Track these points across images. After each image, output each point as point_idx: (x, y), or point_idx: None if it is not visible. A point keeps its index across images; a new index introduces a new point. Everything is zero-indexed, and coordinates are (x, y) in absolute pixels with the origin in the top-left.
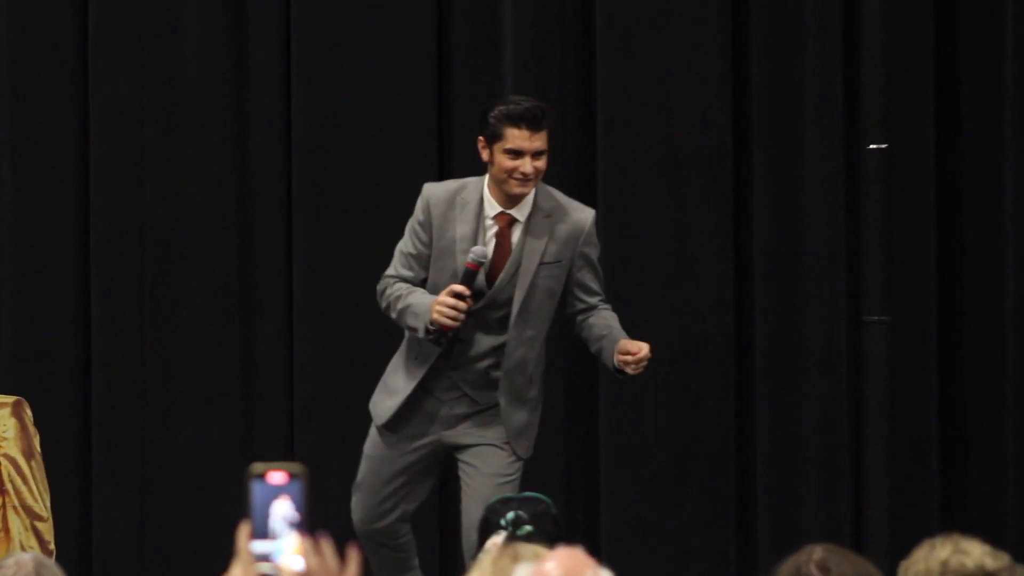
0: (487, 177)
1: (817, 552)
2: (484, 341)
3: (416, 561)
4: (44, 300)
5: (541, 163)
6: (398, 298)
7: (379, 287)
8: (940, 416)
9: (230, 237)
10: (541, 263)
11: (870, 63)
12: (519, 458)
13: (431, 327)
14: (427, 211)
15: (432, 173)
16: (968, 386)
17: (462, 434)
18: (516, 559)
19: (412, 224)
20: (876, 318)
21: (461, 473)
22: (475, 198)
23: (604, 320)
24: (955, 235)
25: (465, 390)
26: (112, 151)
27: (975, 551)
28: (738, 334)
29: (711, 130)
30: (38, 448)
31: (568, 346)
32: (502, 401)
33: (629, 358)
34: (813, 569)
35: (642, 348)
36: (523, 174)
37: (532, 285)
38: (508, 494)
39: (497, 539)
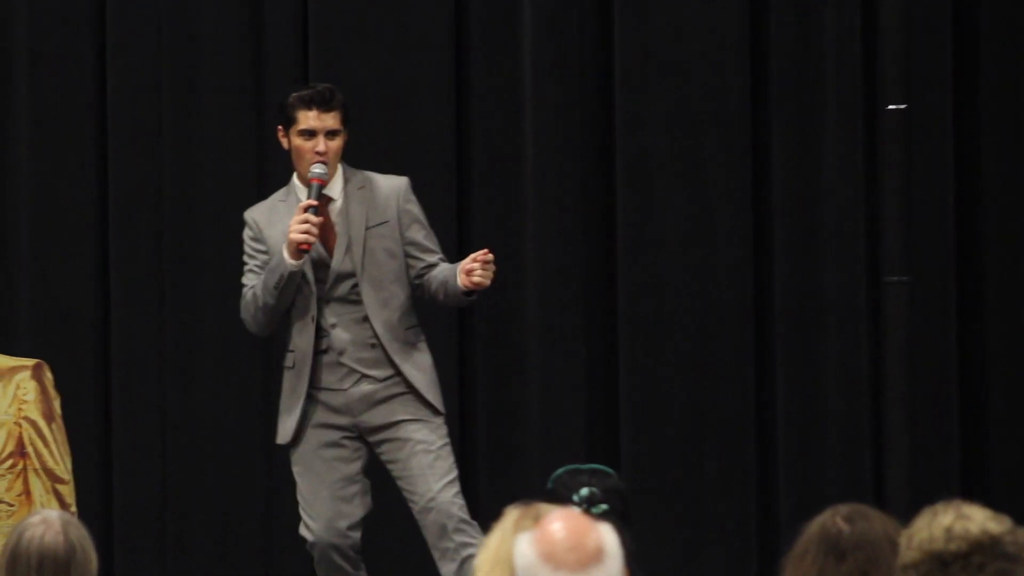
0: (294, 175)
1: (843, 509)
2: (349, 316)
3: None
4: (64, 264)
5: (335, 143)
6: (255, 286)
7: (241, 310)
8: (960, 376)
9: (248, 202)
10: (367, 228)
11: (889, 23)
12: (439, 413)
13: (293, 257)
14: (252, 227)
15: (449, 139)
16: (988, 346)
17: (376, 415)
18: (538, 520)
19: (246, 247)
20: (896, 279)
21: (388, 454)
22: (288, 196)
23: (436, 269)
24: (974, 195)
25: (361, 370)
26: (130, 116)
27: (977, 516)
28: (757, 295)
29: (729, 91)
30: (59, 411)
31: (587, 315)
32: (400, 366)
33: (475, 265)
34: (840, 523)
35: (479, 253)
36: (318, 153)
37: (367, 250)
38: (576, 465)
39: None
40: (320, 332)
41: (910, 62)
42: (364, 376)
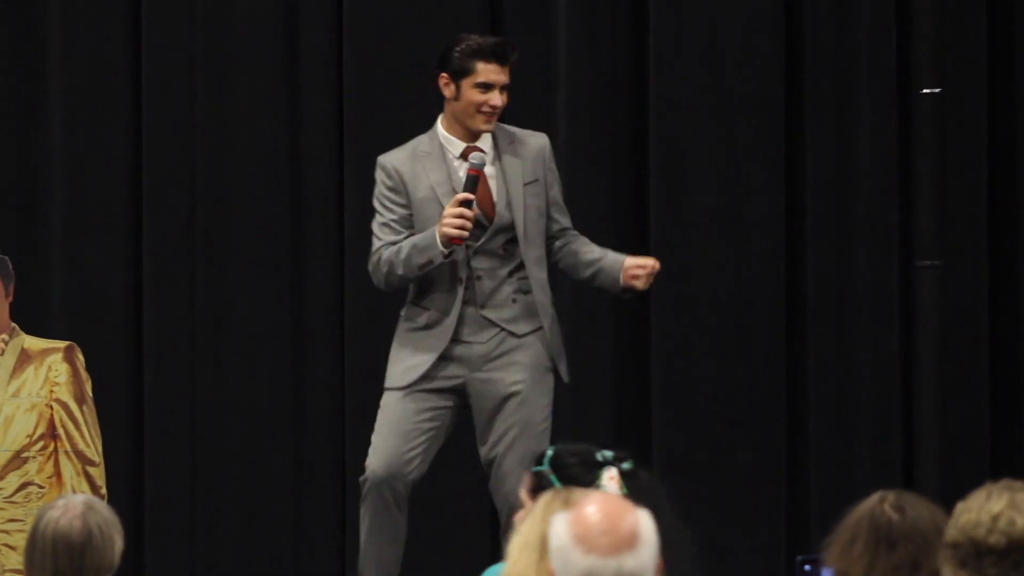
0: (439, 123)
1: (890, 496)
2: (499, 271)
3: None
4: (96, 247)
5: (504, 98)
6: (396, 252)
7: (371, 265)
8: (991, 362)
9: (281, 184)
10: (524, 184)
11: (923, 7)
12: (560, 380)
13: (444, 247)
14: (392, 175)
15: None
16: (1020, 331)
17: (492, 371)
18: (568, 504)
19: (380, 195)
20: (928, 263)
21: (485, 418)
22: (434, 147)
23: (589, 246)
24: (1007, 179)
25: (502, 325)
26: (163, 99)
27: None
28: (789, 280)
29: (763, 75)
30: (90, 393)
31: (617, 299)
32: (545, 323)
33: (641, 272)
34: (888, 510)
35: (651, 261)
36: (492, 107)
37: (526, 206)
38: (560, 445)
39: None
40: (465, 284)
41: (944, 46)
42: (503, 330)
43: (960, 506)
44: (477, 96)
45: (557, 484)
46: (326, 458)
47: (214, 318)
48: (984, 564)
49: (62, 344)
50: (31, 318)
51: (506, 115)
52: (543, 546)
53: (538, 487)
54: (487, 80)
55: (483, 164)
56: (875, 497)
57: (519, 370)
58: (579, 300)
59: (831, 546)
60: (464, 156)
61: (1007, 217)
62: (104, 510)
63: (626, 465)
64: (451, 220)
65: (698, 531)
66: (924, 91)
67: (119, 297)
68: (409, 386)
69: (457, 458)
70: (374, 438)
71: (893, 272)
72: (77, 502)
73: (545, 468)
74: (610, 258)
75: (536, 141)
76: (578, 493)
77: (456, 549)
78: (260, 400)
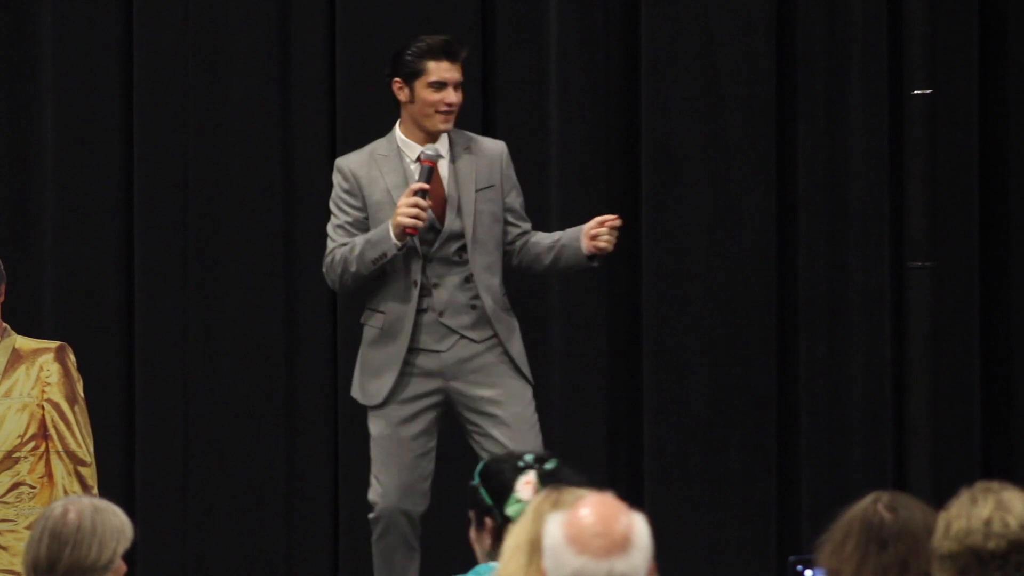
0: (397, 127)
1: (885, 496)
2: (453, 278)
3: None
4: (88, 246)
5: (460, 96)
6: (350, 251)
7: (324, 266)
8: (983, 362)
9: (273, 184)
10: (477, 189)
11: (915, 8)
12: (530, 384)
13: (398, 239)
14: (349, 178)
15: (475, 122)
16: (1011, 332)
17: (470, 386)
18: (557, 505)
19: (337, 197)
20: (920, 264)
21: (478, 428)
22: (391, 150)
23: (546, 234)
24: (999, 180)
25: (461, 332)
26: (155, 98)
27: (1017, 506)
28: (781, 280)
29: (755, 76)
30: (81, 393)
31: (610, 300)
32: (499, 329)
33: (602, 230)
34: (882, 511)
35: (610, 216)
36: (448, 105)
37: (477, 212)
38: (491, 456)
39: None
40: (421, 292)
41: (936, 47)
42: (463, 338)
43: (944, 516)
44: (431, 96)
45: (487, 498)
46: (318, 459)
47: (206, 318)
48: (988, 570)
49: (53, 344)
50: (22, 318)
51: (500, 116)
52: (533, 548)
53: (472, 501)
54: (439, 78)
55: (437, 155)
56: (869, 497)
57: (494, 380)
58: (572, 301)
59: (823, 545)
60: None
61: (998, 218)
62: (110, 514)
63: (548, 465)
64: (405, 209)
65: (690, 530)
66: (916, 92)
67: (111, 297)
68: (386, 403)
69: (448, 459)
70: (378, 473)
71: (885, 272)
72: (86, 500)
73: (476, 481)
74: (569, 233)
75: (493, 147)
76: (568, 494)
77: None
78: (252, 400)
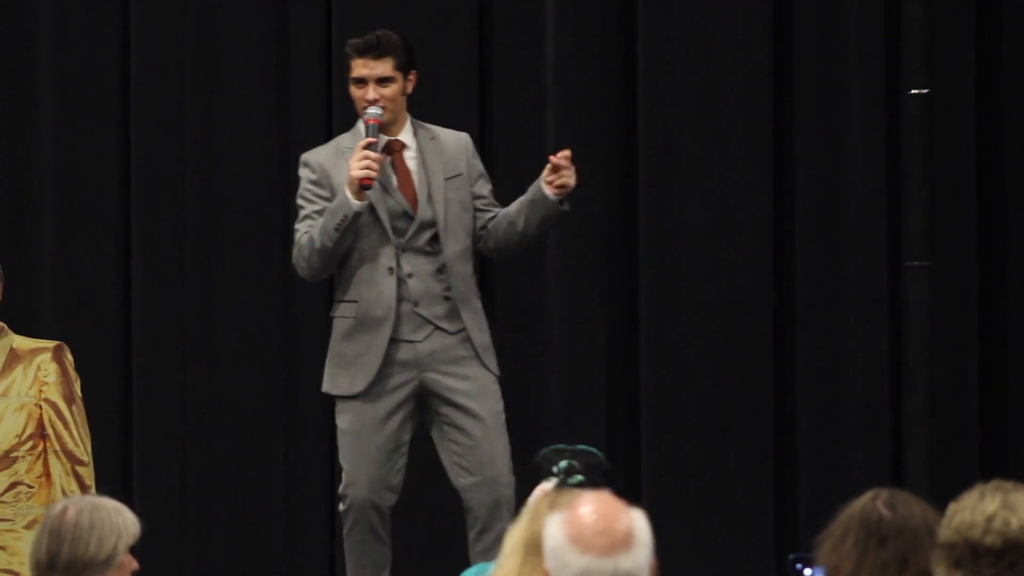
0: (360, 121)
1: (884, 493)
2: (426, 267)
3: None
4: (86, 247)
5: (388, 91)
6: (313, 229)
7: (293, 257)
8: (980, 362)
9: (271, 185)
10: (446, 178)
11: (911, 8)
12: (496, 377)
13: (355, 196)
14: (316, 170)
15: (472, 116)
16: (1009, 331)
17: (442, 380)
18: (553, 506)
19: (304, 189)
20: (917, 263)
21: (447, 423)
22: (354, 143)
23: (507, 208)
24: (996, 180)
25: (436, 323)
26: (153, 99)
27: (1023, 509)
28: (778, 280)
29: (752, 75)
30: (79, 393)
31: (608, 301)
32: (467, 320)
33: (559, 168)
34: (881, 507)
35: (559, 154)
36: (368, 102)
37: (447, 200)
38: (561, 445)
39: (547, 485)
40: (398, 282)
41: (933, 47)
42: (437, 328)
43: (953, 507)
44: (355, 92)
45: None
46: (316, 459)
47: (204, 318)
48: (980, 565)
49: (51, 344)
50: (21, 318)
51: (497, 118)
52: (528, 548)
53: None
54: (358, 75)
55: (380, 114)
56: (868, 494)
57: (466, 372)
58: (571, 301)
59: (823, 542)
60: (387, 151)
61: (996, 217)
62: (110, 511)
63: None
64: (358, 163)
65: (689, 530)
66: (913, 92)
67: (109, 297)
68: (364, 394)
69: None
70: (348, 465)
71: (882, 272)
72: (88, 498)
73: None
74: (530, 190)
75: (459, 138)
76: (564, 495)
77: (435, 551)
78: (250, 400)
